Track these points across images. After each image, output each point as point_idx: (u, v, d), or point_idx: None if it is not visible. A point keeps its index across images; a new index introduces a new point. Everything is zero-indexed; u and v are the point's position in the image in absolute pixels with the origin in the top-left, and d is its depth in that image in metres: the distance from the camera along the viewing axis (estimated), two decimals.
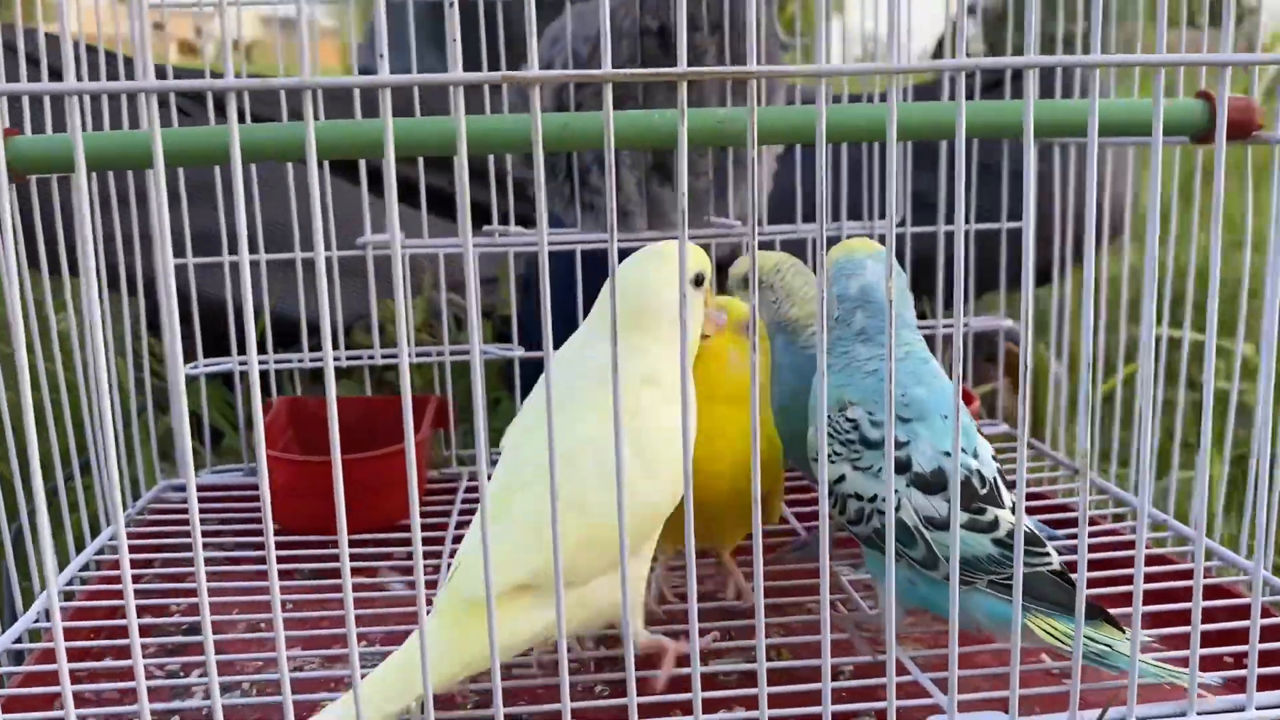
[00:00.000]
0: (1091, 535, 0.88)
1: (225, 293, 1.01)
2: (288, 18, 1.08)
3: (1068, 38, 1.07)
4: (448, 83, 0.48)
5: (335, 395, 0.49)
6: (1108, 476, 1.00)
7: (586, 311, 1.05)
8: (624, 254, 1.07)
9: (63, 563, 0.80)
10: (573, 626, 0.62)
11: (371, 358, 1.07)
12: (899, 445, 0.64)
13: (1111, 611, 0.74)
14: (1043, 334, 1.34)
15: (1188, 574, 0.80)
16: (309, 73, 0.47)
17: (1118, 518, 0.95)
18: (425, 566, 0.85)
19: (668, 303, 0.63)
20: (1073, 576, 0.63)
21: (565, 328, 1.06)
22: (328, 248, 1.05)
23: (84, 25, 0.94)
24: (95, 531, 0.88)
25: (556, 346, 1.05)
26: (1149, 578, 0.78)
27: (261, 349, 1.06)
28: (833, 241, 1.08)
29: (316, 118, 1.05)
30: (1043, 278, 1.16)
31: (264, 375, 1.14)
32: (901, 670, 0.66)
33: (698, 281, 0.67)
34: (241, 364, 1.05)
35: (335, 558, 0.85)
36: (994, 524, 0.63)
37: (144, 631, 0.78)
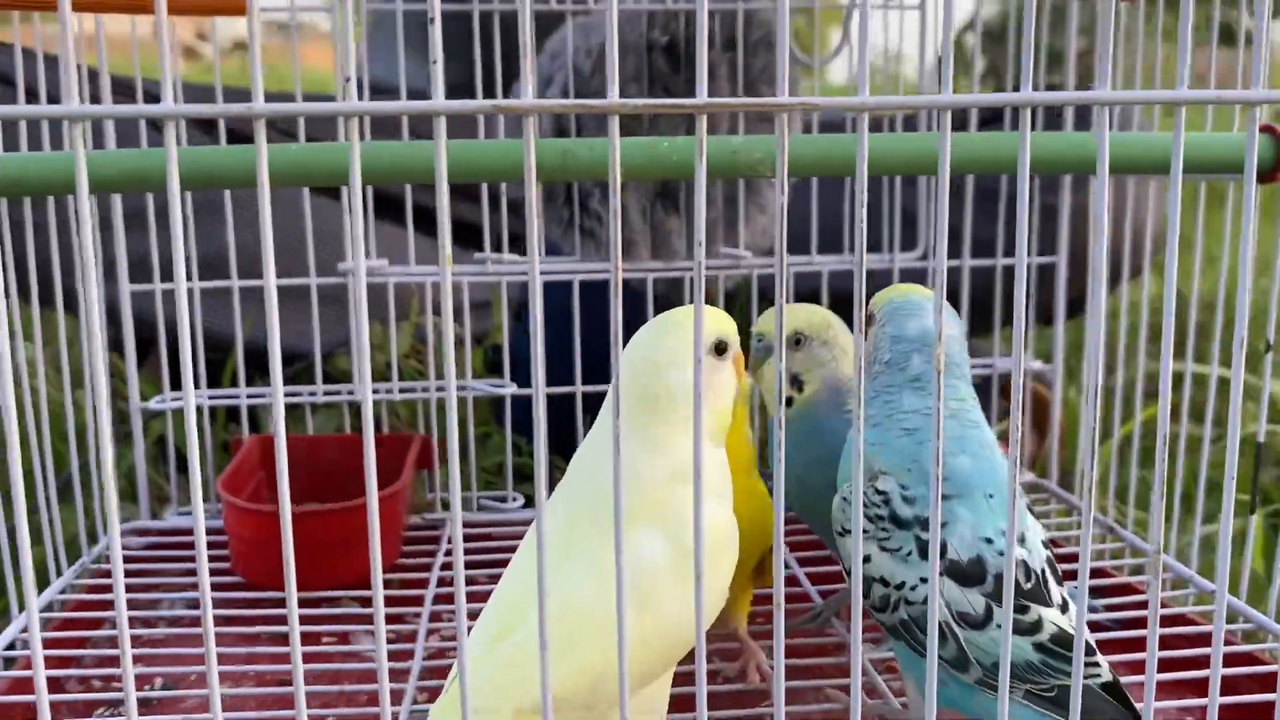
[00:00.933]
0: (1110, 595, 0.81)
1: (195, 322, 0.94)
2: (282, 23, 1.02)
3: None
4: (428, 112, 0.41)
5: (286, 433, 0.42)
6: (1124, 521, 0.93)
7: (585, 345, 0.99)
8: (625, 286, 1.00)
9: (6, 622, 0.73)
10: None
11: (351, 392, 1.00)
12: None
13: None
14: (1072, 376, 1.27)
15: (1209, 639, 0.73)
16: (259, 98, 0.39)
17: (1135, 570, 0.88)
18: (403, 632, 0.79)
19: (683, 384, 0.54)
20: (1123, 687, 0.56)
21: (561, 363, 1.00)
22: (308, 274, 0.98)
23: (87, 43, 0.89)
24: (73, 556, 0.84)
25: (550, 384, 0.99)
26: (1169, 642, 0.71)
27: (234, 381, 0.99)
28: (844, 274, 1.01)
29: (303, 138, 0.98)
30: (1074, 308, 1.10)
31: (235, 410, 1.07)
32: None
33: (719, 349, 0.57)
34: (213, 398, 0.98)
35: (304, 619, 0.78)
36: (1036, 625, 0.55)
37: (89, 707, 0.70)
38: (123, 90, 1.05)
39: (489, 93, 0.97)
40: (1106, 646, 0.70)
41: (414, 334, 1.28)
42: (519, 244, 1.01)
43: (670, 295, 1.02)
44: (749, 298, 1.11)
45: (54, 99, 1.01)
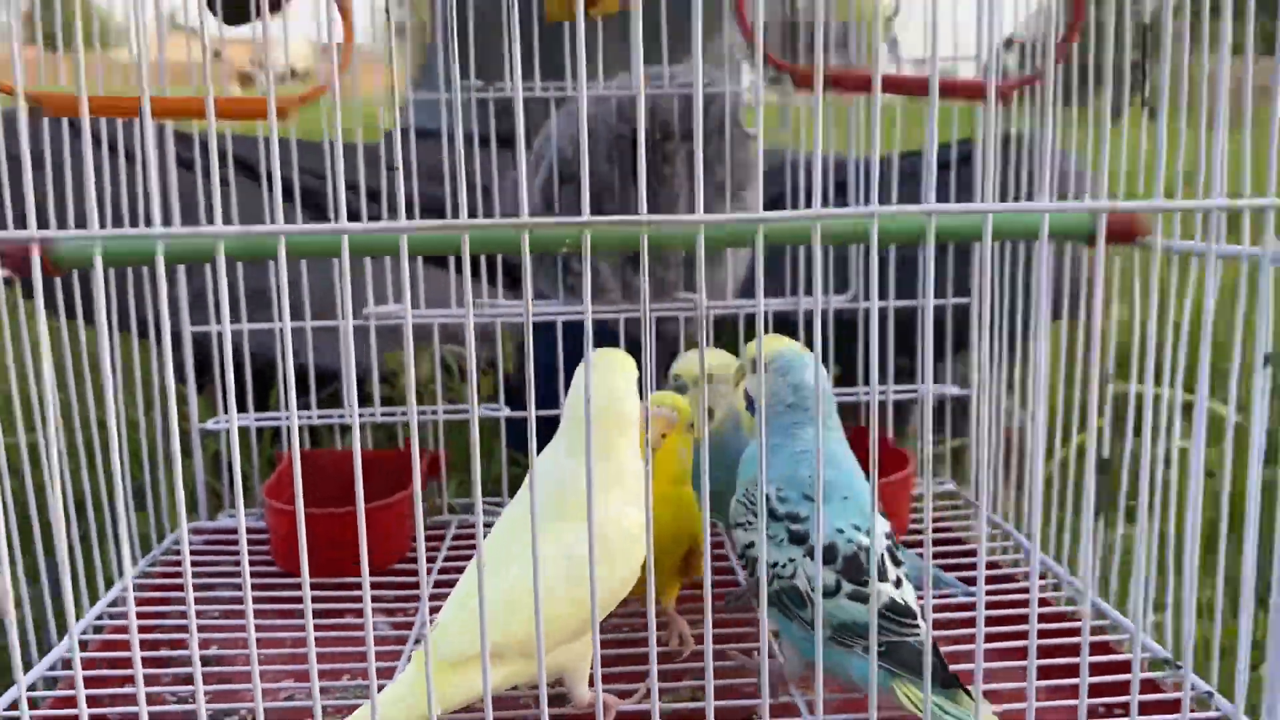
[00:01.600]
0: (1005, 593, 0.96)
1: (244, 357, 1.14)
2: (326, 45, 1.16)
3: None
4: (393, 231, 0.59)
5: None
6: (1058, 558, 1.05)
7: (567, 373, 1.17)
8: (599, 324, 1.18)
9: (95, 599, 0.93)
10: (526, 680, 0.74)
11: (374, 415, 1.19)
12: (801, 520, 0.74)
13: (1005, 664, 0.83)
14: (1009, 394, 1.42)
15: (1077, 631, 0.88)
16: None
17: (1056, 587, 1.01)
18: (408, 608, 0.97)
19: (630, 409, 0.74)
20: (944, 646, 0.72)
21: (547, 389, 1.18)
22: (342, 316, 1.16)
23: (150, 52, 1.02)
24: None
25: (539, 407, 1.16)
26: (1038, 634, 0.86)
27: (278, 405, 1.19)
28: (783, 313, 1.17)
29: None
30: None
31: (277, 430, 1.26)
32: (794, 711, 0.76)
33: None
34: (259, 420, 1.18)
35: (330, 599, 0.97)
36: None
37: (162, 663, 0.89)
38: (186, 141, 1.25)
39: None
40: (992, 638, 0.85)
41: (433, 367, 1.47)
42: (514, 289, 1.20)
43: (638, 335, 1.21)
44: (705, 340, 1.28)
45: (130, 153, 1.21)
